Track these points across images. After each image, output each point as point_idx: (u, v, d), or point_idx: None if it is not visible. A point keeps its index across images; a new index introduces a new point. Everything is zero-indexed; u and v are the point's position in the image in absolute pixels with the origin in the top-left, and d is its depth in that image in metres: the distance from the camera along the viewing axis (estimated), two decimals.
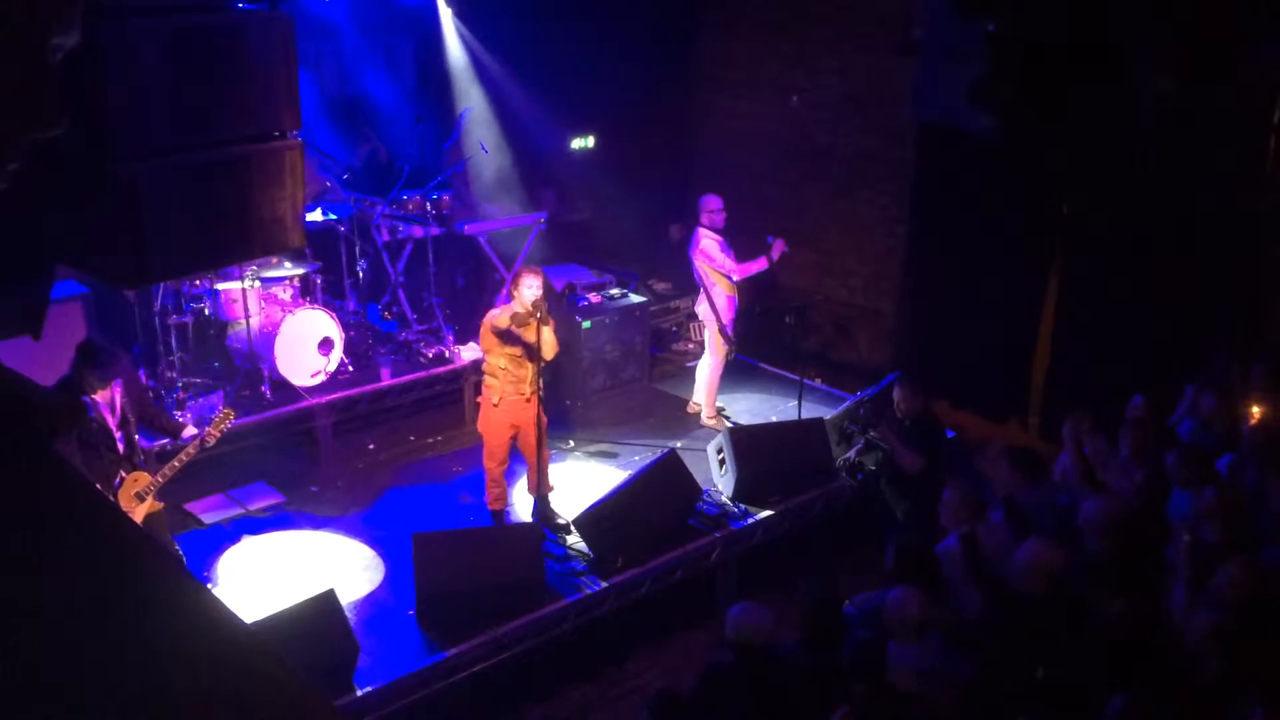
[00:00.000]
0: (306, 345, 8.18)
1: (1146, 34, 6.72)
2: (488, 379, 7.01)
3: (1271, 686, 3.90)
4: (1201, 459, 5.48)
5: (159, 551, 0.95)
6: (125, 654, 0.80)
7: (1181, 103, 7.08)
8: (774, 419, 8.77)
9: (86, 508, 0.89)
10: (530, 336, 6.76)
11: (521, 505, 7.45)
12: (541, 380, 6.96)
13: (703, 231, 8.59)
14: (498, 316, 6.94)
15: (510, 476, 7.40)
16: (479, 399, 7.22)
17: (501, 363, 6.91)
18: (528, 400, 6.92)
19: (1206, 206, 7.57)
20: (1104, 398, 6.57)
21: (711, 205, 8.63)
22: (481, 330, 6.99)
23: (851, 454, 7.82)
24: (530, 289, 6.75)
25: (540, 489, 7.21)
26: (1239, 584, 4.28)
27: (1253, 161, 7.44)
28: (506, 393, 6.91)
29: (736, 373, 10.08)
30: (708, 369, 8.91)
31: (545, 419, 7.09)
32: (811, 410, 8.43)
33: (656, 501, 6.98)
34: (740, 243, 8.65)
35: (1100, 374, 8.03)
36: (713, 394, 8.95)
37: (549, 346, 6.84)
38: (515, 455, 7.30)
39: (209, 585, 6.63)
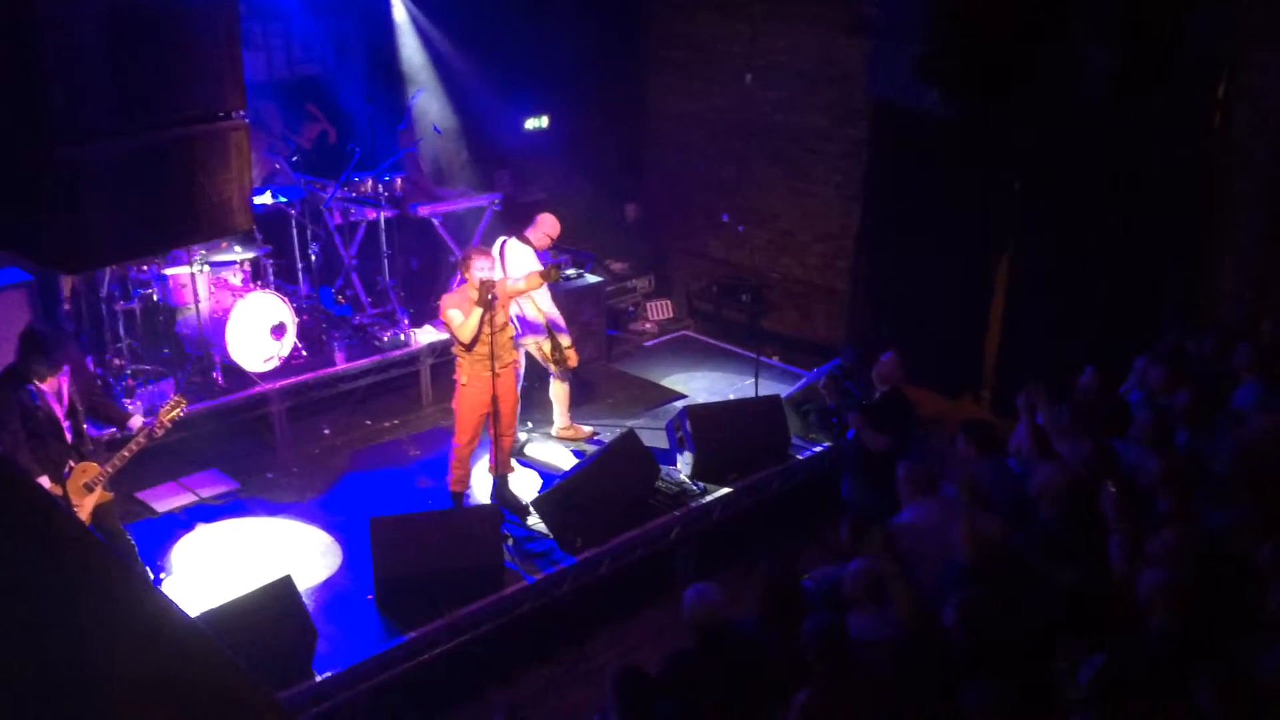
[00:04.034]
0: (258, 330, 8.09)
1: (1092, 6, 6.79)
2: (457, 358, 6.99)
3: (1216, 649, 3.98)
4: (1166, 427, 5.61)
5: (96, 543, 0.94)
6: (62, 644, 0.79)
7: (1127, 76, 7.16)
8: (731, 397, 8.79)
9: (19, 499, 0.87)
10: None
11: (480, 488, 7.43)
12: (514, 360, 6.94)
13: (521, 246, 7.68)
14: (453, 298, 6.91)
15: (473, 458, 7.36)
16: (455, 377, 7.19)
17: None
18: (495, 377, 6.88)
19: (1154, 183, 7.67)
20: (1056, 370, 6.65)
21: (550, 227, 7.80)
22: (441, 312, 6.96)
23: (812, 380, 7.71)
24: (480, 270, 6.71)
25: (500, 469, 7.20)
26: (1175, 549, 4.37)
27: (1199, 136, 7.54)
28: (474, 371, 6.90)
29: (694, 351, 10.11)
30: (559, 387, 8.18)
31: (515, 398, 7.05)
32: (768, 388, 8.47)
33: (615, 481, 6.98)
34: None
35: (1052, 348, 8.14)
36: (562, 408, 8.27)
37: (511, 327, 6.83)
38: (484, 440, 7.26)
39: (163, 574, 6.56)
